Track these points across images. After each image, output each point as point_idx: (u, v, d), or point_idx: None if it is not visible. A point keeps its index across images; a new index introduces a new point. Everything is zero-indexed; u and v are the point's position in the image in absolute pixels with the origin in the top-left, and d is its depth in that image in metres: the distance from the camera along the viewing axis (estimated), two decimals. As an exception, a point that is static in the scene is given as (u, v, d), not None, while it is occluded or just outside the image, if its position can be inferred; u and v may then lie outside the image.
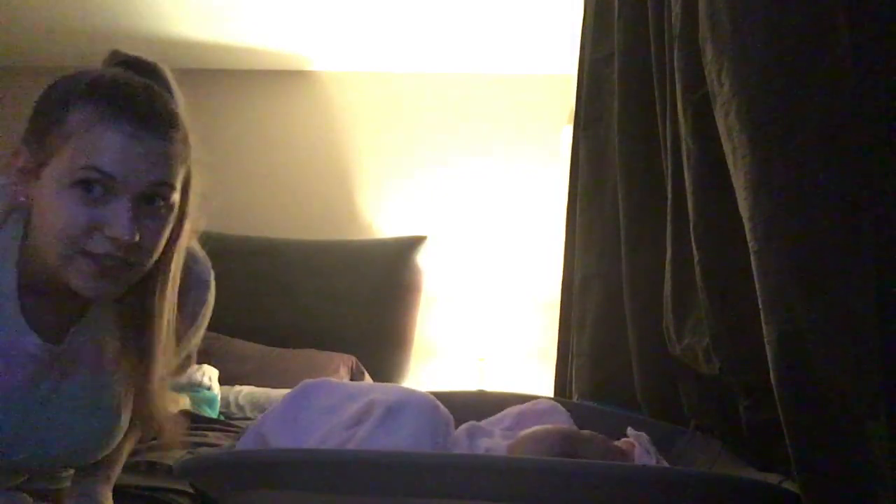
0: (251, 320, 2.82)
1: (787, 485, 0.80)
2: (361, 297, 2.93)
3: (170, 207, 0.94)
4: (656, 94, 1.20)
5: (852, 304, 0.69)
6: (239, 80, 3.36)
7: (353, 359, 2.74)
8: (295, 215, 3.25)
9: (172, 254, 0.98)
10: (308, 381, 1.05)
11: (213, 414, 2.26)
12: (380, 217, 3.26)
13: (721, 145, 0.87)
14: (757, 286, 0.79)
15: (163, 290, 0.99)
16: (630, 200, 1.31)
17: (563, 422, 1.07)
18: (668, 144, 1.13)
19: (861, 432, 0.68)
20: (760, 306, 0.79)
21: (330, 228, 3.20)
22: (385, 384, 0.98)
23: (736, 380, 0.95)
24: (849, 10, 0.69)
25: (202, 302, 1.12)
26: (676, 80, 1.05)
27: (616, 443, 0.99)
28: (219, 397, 2.35)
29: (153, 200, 0.92)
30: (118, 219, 0.88)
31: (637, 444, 0.98)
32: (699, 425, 1.10)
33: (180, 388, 2.28)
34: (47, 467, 1.09)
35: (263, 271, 2.96)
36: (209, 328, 1.16)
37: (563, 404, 1.13)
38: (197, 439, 1.71)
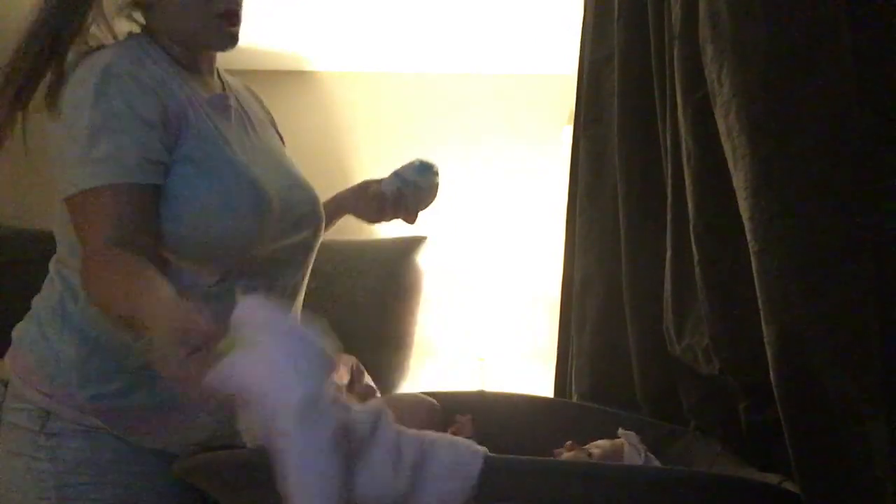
0: (251, 320, 2.81)
1: (787, 485, 0.80)
2: (361, 297, 2.93)
3: None
4: (656, 94, 1.20)
5: (852, 304, 0.69)
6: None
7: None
8: (295, 215, 3.25)
9: None
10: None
11: (214, 414, 2.26)
12: (379, 217, 3.26)
13: (721, 145, 0.87)
14: (757, 286, 0.79)
15: None
16: (630, 200, 1.31)
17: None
18: (668, 144, 1.13)
19: (861, 432, 0.68)
20: (760, 306, 0.79)
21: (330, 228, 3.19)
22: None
23: (736, 380, 0.95)
24: (849, 10, 0.69)
25: None
26: (676, 81, 1.05)
27: (599, 443, 0.99)
28: (219, 397, 2.35)
29: None
30: None
31: (626, 444, 0.98)
32: (699, 425, 1.10)
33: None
34: (314, 217, 1.19)
35: (263, 271, 2.95)
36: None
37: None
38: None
